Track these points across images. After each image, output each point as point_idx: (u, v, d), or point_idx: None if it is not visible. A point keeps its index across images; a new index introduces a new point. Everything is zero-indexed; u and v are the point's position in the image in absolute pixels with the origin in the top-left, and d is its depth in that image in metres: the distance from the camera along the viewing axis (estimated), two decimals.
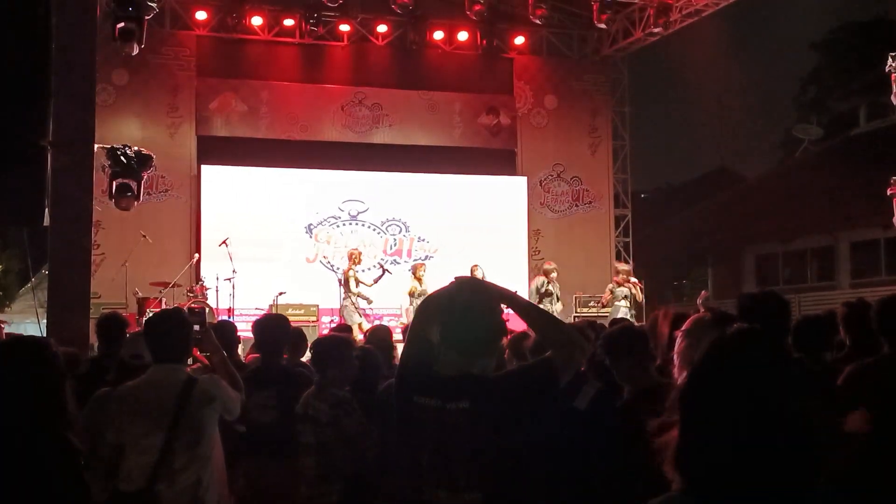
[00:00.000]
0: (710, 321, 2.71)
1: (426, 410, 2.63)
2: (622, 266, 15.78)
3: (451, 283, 2.76)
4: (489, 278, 2.93)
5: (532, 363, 2.77)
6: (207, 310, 12.75)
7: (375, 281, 13.89)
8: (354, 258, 13.92)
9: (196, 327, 4.33)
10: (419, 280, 14.04)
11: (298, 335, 6.86)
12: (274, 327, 5.41)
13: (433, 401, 2.62)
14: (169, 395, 3.80)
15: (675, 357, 2.73)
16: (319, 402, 4.49)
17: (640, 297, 14.83)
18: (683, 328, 2.75)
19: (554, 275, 14.41)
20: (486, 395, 2.58)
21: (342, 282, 13.76)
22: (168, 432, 3.73)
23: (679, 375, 2.70)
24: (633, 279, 14.76)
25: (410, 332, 2.87)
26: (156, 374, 3.90)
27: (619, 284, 14.61)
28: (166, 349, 3.94)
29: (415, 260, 16.13)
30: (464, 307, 2.64)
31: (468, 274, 13.59)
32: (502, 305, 2.69)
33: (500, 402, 2.56)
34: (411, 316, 12.91)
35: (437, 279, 14.64)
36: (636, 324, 6.54)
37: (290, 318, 12.63)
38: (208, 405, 3.87)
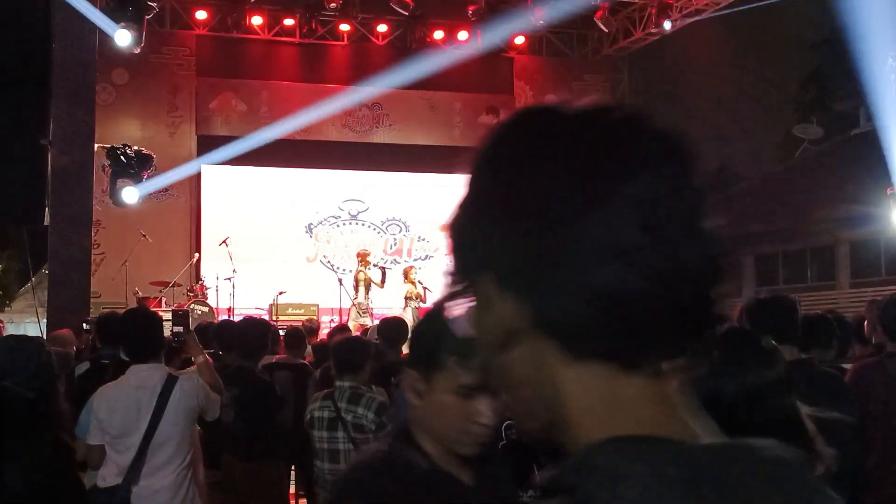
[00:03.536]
0: None
1: None
2: None
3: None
4: None
5: None
6: (207, 310, 12.78)
7: (383, 282, 13.68)
8: (363, 258, 13.76)
9: (180, 328, 4.34)
10: (412, 283, 13.90)
11: (297, 335, 6.87)
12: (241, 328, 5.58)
13: None
14: (149, 394, 3.79)
15: None
16: (363, 407, 4.38)
17: None
18: None
19: None
20: None
21: (357, 283, 13.53)
22: (147, 431, 3.73)
23: None
24: None
25: None
26: (136, 373, 3.90)
27: None
28: (139, 349, 3.94)
29: (415, 259, 16.11)
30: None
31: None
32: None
33: None
34: (410, 319, 12.87)
35: (436, 279, 14.68)
36: None
37: (290, 318, 12.79)
38: (187, 405, 3.87)
